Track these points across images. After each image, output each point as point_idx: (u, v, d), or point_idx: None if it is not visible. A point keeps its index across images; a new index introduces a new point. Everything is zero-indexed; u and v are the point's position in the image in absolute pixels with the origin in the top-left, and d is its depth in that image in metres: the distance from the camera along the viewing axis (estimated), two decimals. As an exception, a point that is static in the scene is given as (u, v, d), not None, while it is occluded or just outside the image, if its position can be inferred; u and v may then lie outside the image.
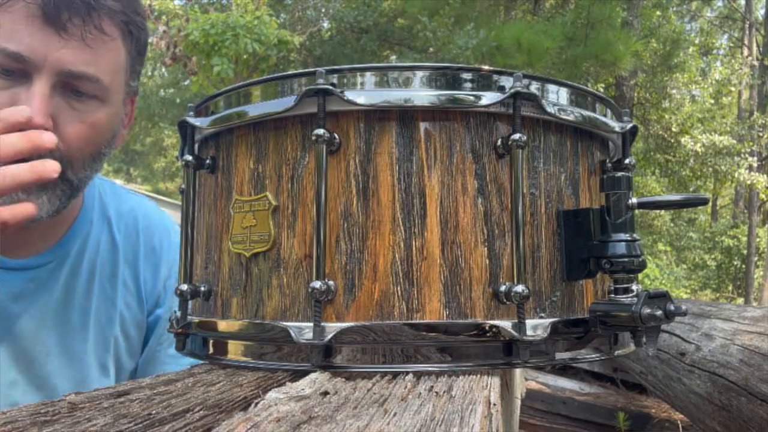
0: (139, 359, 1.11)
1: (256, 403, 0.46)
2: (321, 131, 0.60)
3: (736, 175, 10.65)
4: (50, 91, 0.84)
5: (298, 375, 0.60)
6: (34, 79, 0.83)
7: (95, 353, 1.02)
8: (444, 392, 0.50)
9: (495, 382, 0.56)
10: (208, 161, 0.71)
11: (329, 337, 0.58)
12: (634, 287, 0.63)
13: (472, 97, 0.62)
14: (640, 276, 0.67)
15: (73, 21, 0.84)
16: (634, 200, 0.64)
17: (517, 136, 0.61)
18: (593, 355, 0.68)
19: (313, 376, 0.57)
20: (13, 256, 0.96)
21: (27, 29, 0.83)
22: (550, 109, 0.64)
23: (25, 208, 0.78)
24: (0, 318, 0.94)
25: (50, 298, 0.99)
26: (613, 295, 0.63)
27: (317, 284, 0.58)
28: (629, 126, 0.74)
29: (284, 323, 0.61)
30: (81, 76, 0.86)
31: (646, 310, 0.59)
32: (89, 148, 0.91)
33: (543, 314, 0.63)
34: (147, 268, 1.10)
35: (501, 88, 0.63)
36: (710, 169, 10.66)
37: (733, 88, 13.17)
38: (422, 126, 0.62)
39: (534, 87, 0.65)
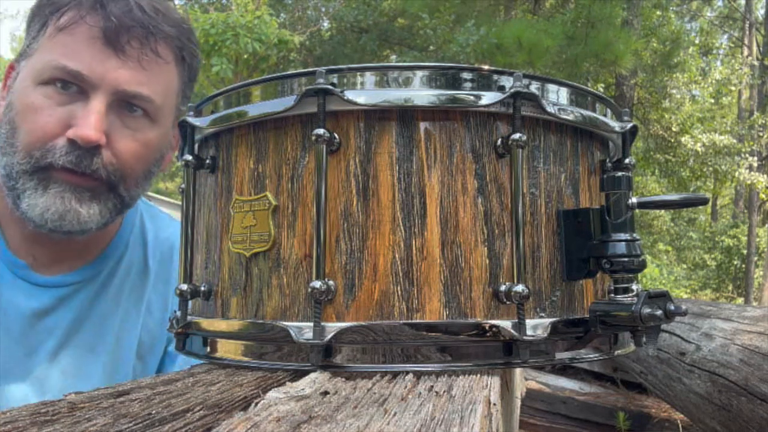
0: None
1: (256, 403, 0.46)
2: (321, 131, 0.59)
3: (737, 174, 10.64)
4: (106, 109, 0.88)
5: (298, 375, 0.60)
6: (91, 97, 0.87)
7: (108, 376, 1.02)
8: (444, 392, 0.50)
9: (495, 381, 0.56)
10: (208, 161, 0.71)
11: (329, 336, 0.58)
12: (634, 287, 0.63)
13: (472, 97, 0.62)
14: (639, 276, 0.67)
15: (132, 44, 0.89)
16: (634, 200, 0.64)
17: (517, 135, 0.61)
18: (593, 355, 0.68)
19: (313, 375, 0.57)
20: (43, 272, 0.98)
21: (88, 50, 0.87)
22: (550, 108, 0.64)
23: None
24: (21, 333, 0.95)
25: (72, 317, 0.99)
26: (613, 295, 0.63)
27: (317, 284, 0.58)
28: (629, 126, 0.74)
29: (284, 323, 0.61)
30: (136, 96, 0.90)
31: (646, 310, 0.59)
32: (140, 165, 0.95)
33: (543, 314, 0.63)
34: None
35: (501, 88, 0.63)
36: (710, 168, 10.65)
37: (733, 88, 13.16)
38: (422, 126, 0.62)
39: (534, 87, 0.65)
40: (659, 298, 0.61)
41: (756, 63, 13.77)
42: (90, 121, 0.86)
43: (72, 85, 0.88)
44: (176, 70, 0.96)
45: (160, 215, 1.17)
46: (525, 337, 0.59)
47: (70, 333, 0.99)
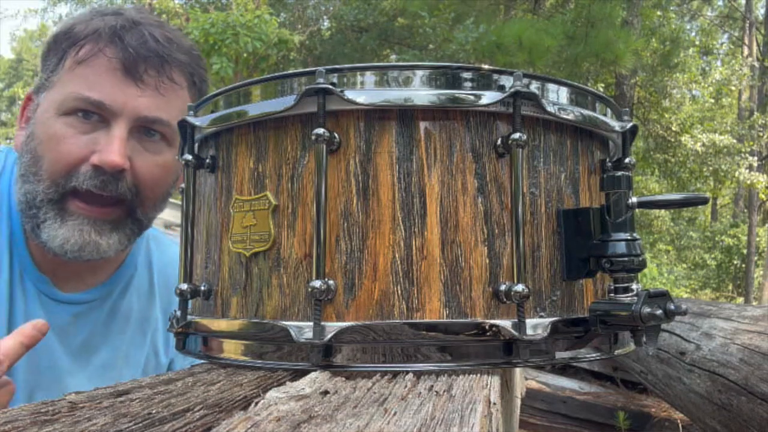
0: None
1: (256, 403, 0.46)
2: (321, 130, 0.59)
3: (737, 174, 10.64)
4: (127, 135, 0.92)
5: (298, 374, 0.60)
6: (113, 125, 0.92)
7: None
8: (444, 391, 0.50)
9: (495, 381, 0.56)
10: (207, 160, 0.71)
11: (329, 336, 0.58)
12: (634, 286, 0.63)
13: (472, 97, 0.62)
14: (640, 275, 0.67)
15: (149, 72, 0.94)
16: (634, 199, 0.64)
17: (517, 135, 0.61)
18: (593, 355, 0.68)
19: (313, 375, 0.57)
20: (63, 288, 1.01)
21: (108, 80, 0.92)
22: (550, 108, 0.64)
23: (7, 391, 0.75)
24: (44, 346, 0.97)
25: (86, 334, 1.03)
26: (613, 295, 0.63)
27: (317, 283, 0.58)
28: (629, 125, 0.74)
29: (284, 322, 0.61)
30: (155, 121, 0.95)
31: (646, 310, 0.59)
32: (159, 188, 0.99)
33: (543, 313, 0.63)
34: None
35: (501, 88, 0.63)
36: (710, 168, 10.65)
37: (733, 88, 13.15)
38: (422, 125, 0.62)
39: (534, 86, 0.65)
40: (659, 297, 0.61)
41: (756, 64, 13.76)
42: (114, 147, 0.90)
43: (93, 115, 0.92)
44: (189, 95, 1.01)
45: (161, 237, 1.21)
46: (525, 337, 0.59)
47: (84, 350, 1.02)
